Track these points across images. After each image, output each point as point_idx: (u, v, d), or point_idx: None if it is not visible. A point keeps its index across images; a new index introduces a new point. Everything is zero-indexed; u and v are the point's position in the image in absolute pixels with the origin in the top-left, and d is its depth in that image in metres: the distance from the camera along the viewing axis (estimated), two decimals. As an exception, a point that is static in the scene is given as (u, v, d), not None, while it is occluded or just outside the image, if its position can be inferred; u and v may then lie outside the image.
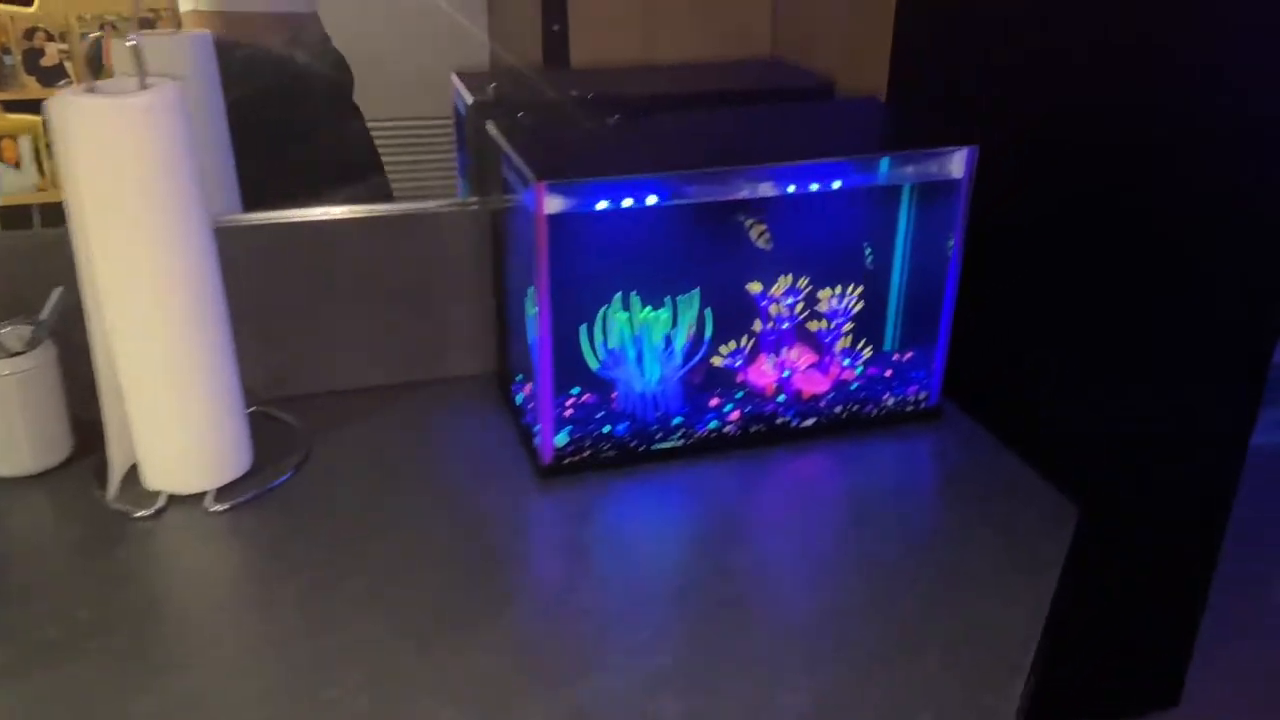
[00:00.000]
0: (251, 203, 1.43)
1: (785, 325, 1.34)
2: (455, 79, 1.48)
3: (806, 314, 1.26)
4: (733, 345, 1.23)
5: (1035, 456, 1.29)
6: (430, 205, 1.45)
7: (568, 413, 1.33)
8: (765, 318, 1.22)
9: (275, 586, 0.98)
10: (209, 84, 1.42)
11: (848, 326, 1.36)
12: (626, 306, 1.15)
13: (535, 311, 1.11)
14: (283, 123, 1.48)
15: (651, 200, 1.10)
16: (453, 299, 1.46)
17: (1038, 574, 0.99)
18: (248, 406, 1.31)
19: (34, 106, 1.35)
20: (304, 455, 1.30)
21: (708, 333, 1.30)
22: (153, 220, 1.11)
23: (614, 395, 1.33)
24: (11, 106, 1.35)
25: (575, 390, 1.34)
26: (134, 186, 1.08)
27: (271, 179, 1.45)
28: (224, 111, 1.44)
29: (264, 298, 1.40)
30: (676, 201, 1.22)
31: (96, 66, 1.32)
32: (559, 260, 1.19)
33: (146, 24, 1.39)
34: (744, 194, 1.24)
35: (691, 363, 1.31)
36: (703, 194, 1.22)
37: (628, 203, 1.09)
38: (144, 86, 1.10)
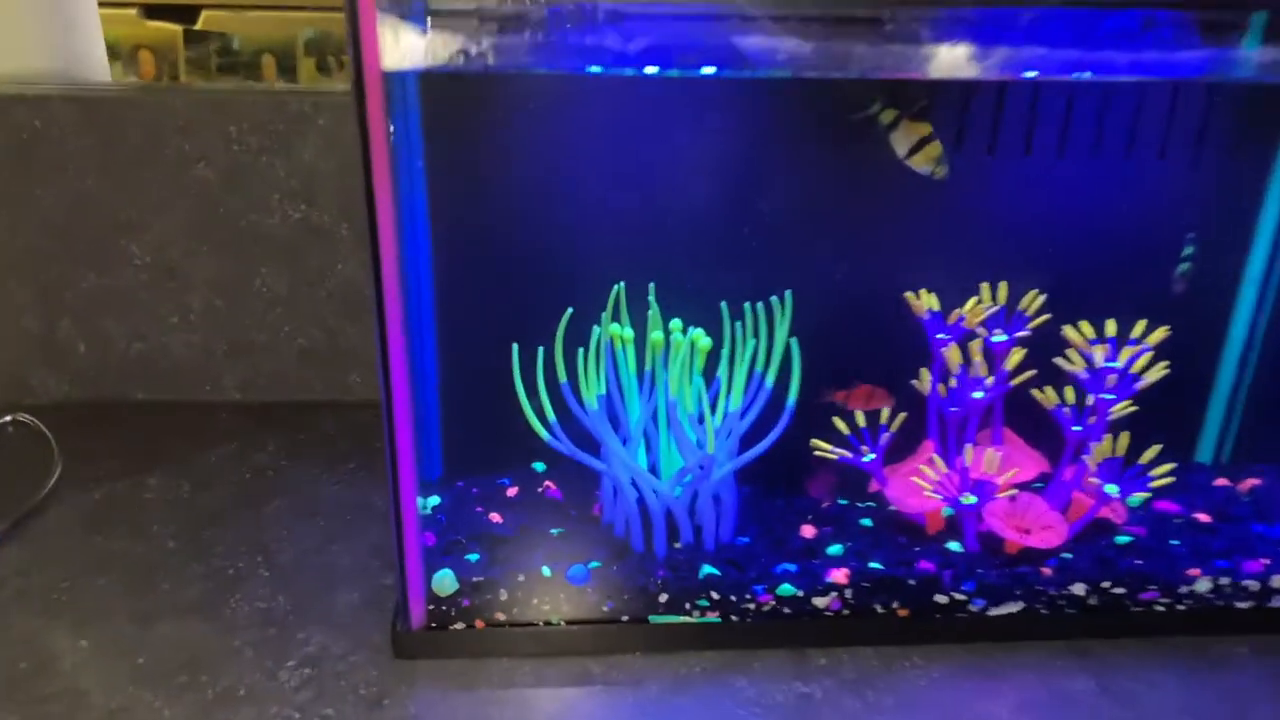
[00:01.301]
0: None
1: (980, 392, 0.61)
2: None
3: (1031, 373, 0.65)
4: (860, 421, 0.66)
5: None
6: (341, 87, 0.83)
7: (494, 517, 0.65)
8: (940, 371, 0.65)
9: None
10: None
11: (1119, 408, 0.61)
12: (627, 317, 0.63)
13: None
14: None
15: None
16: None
17: None
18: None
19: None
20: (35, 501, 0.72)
21: (794, 386, 0.59)
22: None
23: (598, 499, 0.65)
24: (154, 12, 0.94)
25: (544, 470, 0.67)
26: None
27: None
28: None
29: (48, 235, 0.82)
30: (734, 74, 0.54)
31: None
32: (451, 182, 0.53)
33: None
34: (900, 69, 0.53)
35: (761, 445, 0.60)
36: (790, 61, 0.52)
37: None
38: None
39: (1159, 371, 0.61)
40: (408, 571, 0.59)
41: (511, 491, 0.69)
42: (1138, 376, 0.62)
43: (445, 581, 0.60)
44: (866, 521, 0.68)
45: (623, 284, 0.63)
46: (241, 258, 0.83)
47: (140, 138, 0.80)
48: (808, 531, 0.66)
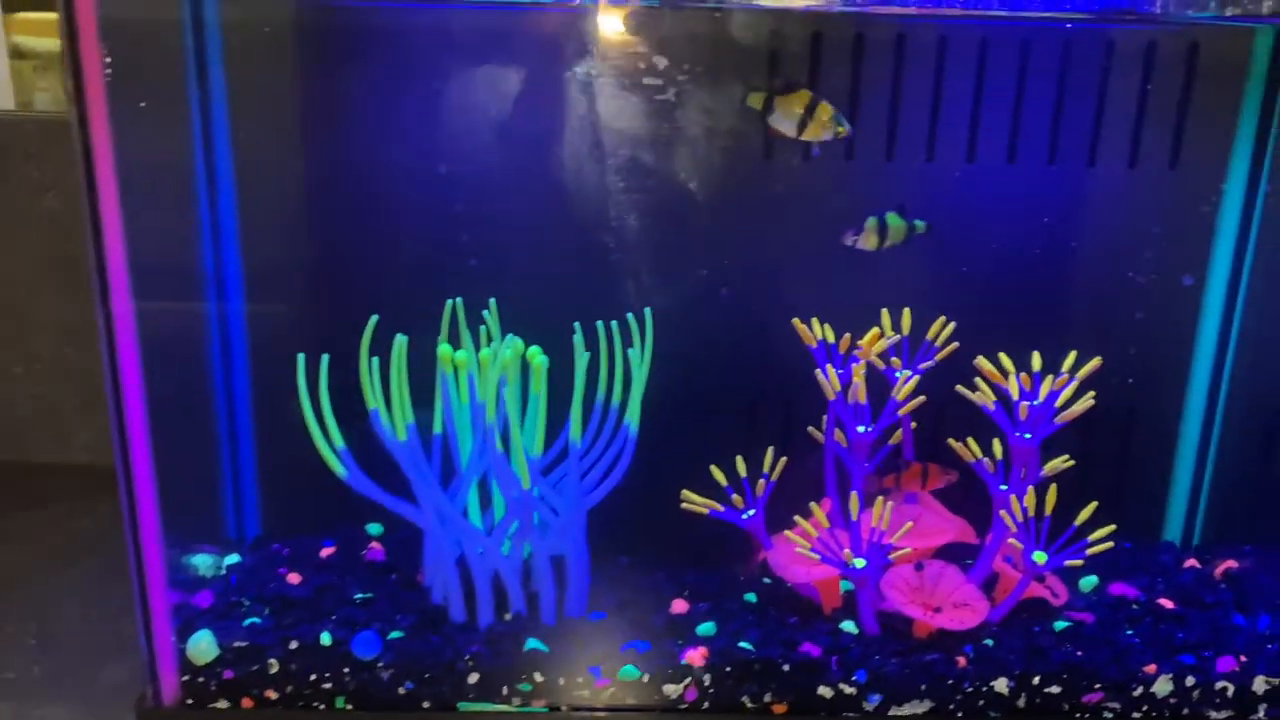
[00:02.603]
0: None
1: (864, 426, 0.50)
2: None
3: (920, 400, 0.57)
4: (740, 469, 0.54)
5: None
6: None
7: (291, 578, 0.54)
8: (836, 410, 0.54)
9: None
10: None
11: (1054, 465, 0.49)
12: (464, 338, 0.56)
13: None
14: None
15: None
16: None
17: None
18: None
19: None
20: None
21: (633, 406, 0.48)
22: None
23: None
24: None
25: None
26: None
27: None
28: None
29: None
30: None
31: None
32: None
33: None
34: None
35: (602, 487, 0.50)
36: None
37: None
38: None
39: (1084, 404, 0.50)
40: (155, 634, 0.48)
41: (327, 552, 0.58)
42: (1053, 415, 0.50)
43: (202, 645, 0.49)
44: (750, 597, 0.56)
45: (459, 299, 0.54)
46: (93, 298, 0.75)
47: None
48: (679, 606, 0.55)
